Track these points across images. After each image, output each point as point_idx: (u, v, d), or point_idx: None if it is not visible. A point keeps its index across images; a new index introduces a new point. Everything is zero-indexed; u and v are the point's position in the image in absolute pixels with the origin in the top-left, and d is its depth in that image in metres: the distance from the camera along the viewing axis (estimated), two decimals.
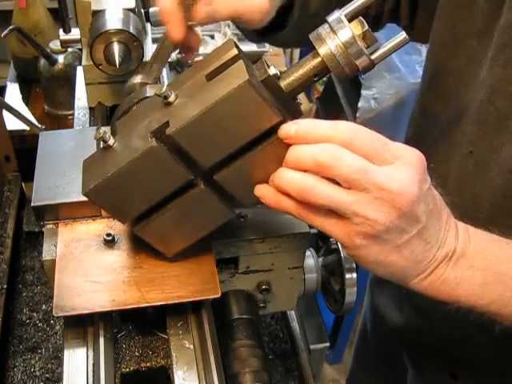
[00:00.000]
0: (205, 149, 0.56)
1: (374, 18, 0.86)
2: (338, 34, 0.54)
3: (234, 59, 0.55)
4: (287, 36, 0.82)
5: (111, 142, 0.59)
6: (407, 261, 0.53)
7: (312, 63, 0.57)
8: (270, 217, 0.74)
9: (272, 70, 0.56)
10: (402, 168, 0.50)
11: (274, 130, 0.55)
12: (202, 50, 1.62)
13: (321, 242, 0.86)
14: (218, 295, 0.64)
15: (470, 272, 0.55)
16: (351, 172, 0.49)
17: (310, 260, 0.82)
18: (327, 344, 2.15)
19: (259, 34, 0.82)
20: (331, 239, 0.81)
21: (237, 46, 0.57)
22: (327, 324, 2.16)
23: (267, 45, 1.69)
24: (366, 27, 0.55)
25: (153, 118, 0.57)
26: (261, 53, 1.66)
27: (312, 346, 2.06)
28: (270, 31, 0.80)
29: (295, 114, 0.60)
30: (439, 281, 0.55)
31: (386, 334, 1.01)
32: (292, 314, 1.00)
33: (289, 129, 0.53)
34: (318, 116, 2.32)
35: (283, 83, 0.58)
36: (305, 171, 0.52)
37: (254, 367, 0.69)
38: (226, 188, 0.60)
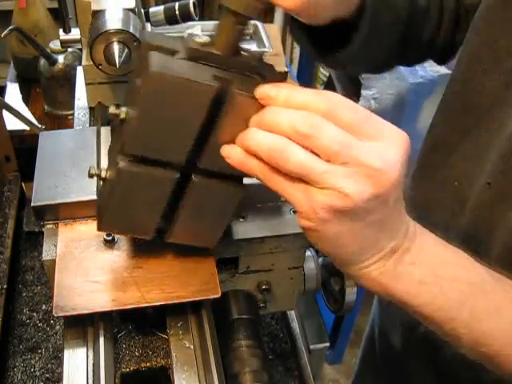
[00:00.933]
0: (168, 148, 0.56)
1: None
2: None
3: (146, 51, 0.54)
4: (352, 55, 0.73)
5: (103, 174, 0.61)
6: (357, 245, 0.51)
7: (222, 13, 0.56)
8: (269, 217, 0.74)
9: (197, 40, 0.55)
10: (387, 147, 0.47)
11: (222, 98, 0.53)
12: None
13: None
14: (218, 295, 0.64)
15: (410, 268, 0.53)
16: (332, 144, 0.45)
17: (310, 260, 0.82)
18: (327, 344, 2.15)
19: (318, 49, 0.75)
20: None
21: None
22: (327, 324, 2.16)
23: (267, 45, 1.69)
24: None
25: (118, 139, 0.58)
26: (261, 53, 1.66)
27: (312, 346, 2.06)
28: (329, 47, 0.73)
29: (245, 68, 0.57)
30: (379, 271, 0.52)
31: (394, 347, 1.00)
32: (292, 314, 1.00)
33: (268, 90, 0.50)
34: None
35: (215, 48, 0.56)
36: None
37: (254, 367, 0.69)
38: (216, 169, 0.58)
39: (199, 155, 0.57)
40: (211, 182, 0.59)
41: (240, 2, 0.53)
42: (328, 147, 0.46)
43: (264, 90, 0.50)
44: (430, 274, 0.54)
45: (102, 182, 0.63)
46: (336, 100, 0.48)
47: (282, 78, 0.56)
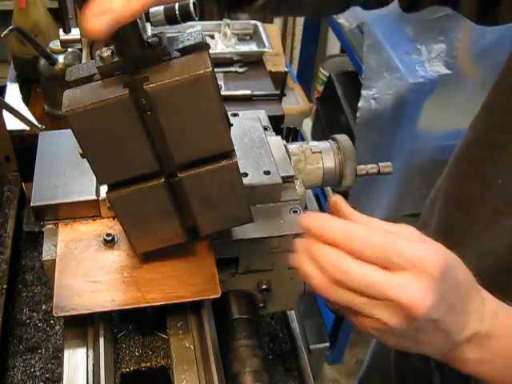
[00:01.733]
0: (133, 163, 0.56)
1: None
2: None
3: None
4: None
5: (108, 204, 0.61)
6: (427, 347, 0.54)
7: None
8: (269, 217, 0.74)
9: (103, 55, 0.54)
10: (415, 278, 0.49)
11: (142, 98, 0.53)
12: None
13: None
14: (218, 295, 0.64)
15: (491, 356, 0.55)
16: (359, 286, 0.50)
17: None
18: (327, 344, 2.15)
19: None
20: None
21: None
22: (327, 324, 2.16)
23: (267, 45, 1.69)
24: None
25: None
26: (261, 53, 1.66)
27: (312, 346, 2.06)
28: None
29: (160, 55, 0.55)
30: (460, 360, 0.56)
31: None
32: (292, 314, 1.00)
33: (307, 222, 0.54)
34: (318, 116, 2.32)
35: (120, 54, 0.55)
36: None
37: (254, 367, 0.69)
38: (195, 157, 0.58)
39: (168, 154, 0.57)
40: (199, 170, 0.58)
41: None
42: (356, 288, 0.50)
43: (303, 221, 0.55)
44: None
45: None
46: (365, 238, 0.51)
47: (204, 45, 0.55)
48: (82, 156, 0.57)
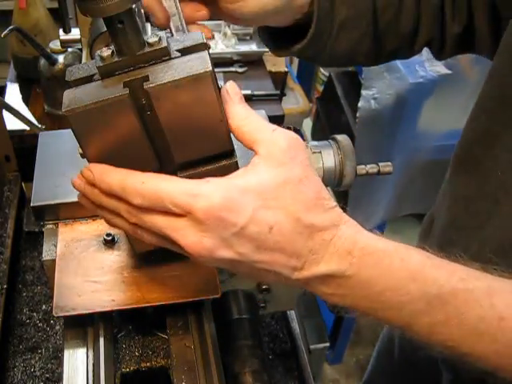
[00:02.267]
0: (134, 163, 0.55)
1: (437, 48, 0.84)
2: None
3: None
4: (308, 50, 0.80)
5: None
6: (266, 280, 0.56)
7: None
8: None
9: (103, 55, 0.54)
10: (191, 224, 0.50)
11: (142, 98, 0.53)
12: None
13: None
14: (218, 295, 0.64)
15: (350, 291, 0.53)
16: (153, 230, 0.52)
17: None
18: (327, 344, 2.15)
19: (276, 40, 0.81)
20: None
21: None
22: (327, 324, 2.17)
23: None
24: None
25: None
26: (261, 53, 1.66)
27: (312, 346, 2.06)
28: (288, 40, 0.79)
29: (160, 54, 0.55)
30: (318, 293, 0.54)
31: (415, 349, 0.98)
32: (292, 314, 1.00)
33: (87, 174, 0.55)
34: (318, 116, 2.32)
35: (120, 53, 0.55)
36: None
37: (254, 367, 0.69)
38: (195, 157, 0.58)
39: (168, 153, 0.57)
40: (198, 170, 0.58)
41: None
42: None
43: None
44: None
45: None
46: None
47: (204, 45, 0.55)
48: (82, 156, 0.57)
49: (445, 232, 0.86)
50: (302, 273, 0.52)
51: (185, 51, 0.55)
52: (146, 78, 0.52)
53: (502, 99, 0.74)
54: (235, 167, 0.59)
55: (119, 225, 0.55)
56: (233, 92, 0.55)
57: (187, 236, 0.49)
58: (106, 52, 0.53)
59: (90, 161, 0.57)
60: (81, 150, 0.57)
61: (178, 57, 0.55)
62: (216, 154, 0.58)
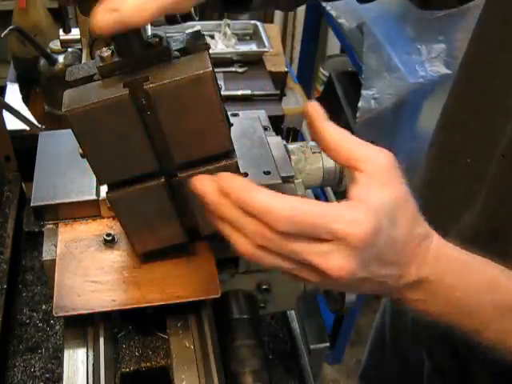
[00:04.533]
0: (134, 163, 0.56)
1: None
2: None
3: None
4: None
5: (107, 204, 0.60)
6: (368, 292, 0.57)
7: None
8: None
9: (103, 55, 0.54)
10: (338, 249, 0.50)
11: (142, 98, 0.53)
12: None
13: None
14: (218, 295, 0.64)
15: (432, 297, 0.56)
16: (284, 252, 0.50)
17: None
18: (327, 344, 2.14)
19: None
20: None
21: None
22: (327, 324, 2.16)
23: (267, 45, 1.69)
24: None
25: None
26: (261, 53, 1.66)
27: (312, 346, 2.06)
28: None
29: (161, 55, 0.55)
30: (404, 299, 0.57)
31: (406, 326, 1.00)
32: (292, 314, 1.00)
33: (224, 183, 0.51)
34: None
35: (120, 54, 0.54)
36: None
37: (254, 367, 0.69)
38: (195, 157, 0.57)
39: (168, 154, 0.57)
40: (199, 170, 0.58)
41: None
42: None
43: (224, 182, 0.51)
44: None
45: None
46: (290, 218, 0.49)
47: (204, 45, 0.55)
48: (82, 156, 0.58)
49: None
50: (403, 279, 0.54)
51: (185, 51, 0.55)
52: (146, 79, 0.52)
53: (473, 87, 0.75)
54: (235, 167, 0.59)
55: (239, 244, 0.52)
56: (319, 111, 0.55)
57: (332, 260, 0.49)
58: (105, 52, 0.54)
59: (90, 162, 0.57)
60: (81, 150, 0.57)
61: (178, 57, 0.55)
62: (216, 154, 0.58)
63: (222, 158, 0.59)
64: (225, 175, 0.52)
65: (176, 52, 0.55)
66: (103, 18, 0.47)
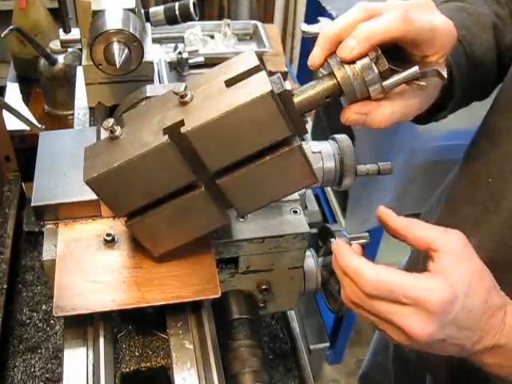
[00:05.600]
0: (215, 152, 0.57)
1: None
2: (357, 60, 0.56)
3: (255, 69, 0.56)
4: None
5: (118, 132, 0.59)
6: (444, 353, 0.62)
7: (327, 84, 0.58)
8: (270, 217, 0.74)
9: (287, 86, 0.57)
10: (417, 312, 0.57)
11: (281, 143, 0.56)
12: (201, 49, 1.62)
13: (321, 241, 0.86)
14: (218, 295, 0.64)
15: (506, 361, 0.62)
16: (372, 311, 0.60)
17: (310, 260, 0.82)
18: (327, 344, 2.15)
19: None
20: (331, 239, 0.81)
21: (258, 58, 0.58)
22: (327, 324, 2.16)
23: (267, 45, 1.69)
24: (379, 51, 0.56)
25: (166, 115, 0.57)
26: (261, 53, 1.66)
27: (312, 346, 2.06)
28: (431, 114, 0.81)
29: (301, 130, 0.60)
30: (477, 362, 0.63)
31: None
32: (292, 314, 1.00)
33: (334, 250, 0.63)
34: (318, 116, 2.32)
35: (296, 100, 0.58)
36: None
37: (254, 367, 0.69)
38: (227, 194, 0.60)
39: (225, 174, 0.58)
40: (211, 200, 0.61)
41: None
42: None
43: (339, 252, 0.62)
44: None
45: (108, 137, 0.62)
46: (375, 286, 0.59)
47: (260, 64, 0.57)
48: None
49: None
50: (479, 345, 0.61)
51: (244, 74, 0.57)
52: (182, 122, 0.55)
53: (506, 106, 0.75)
54: (300, 150, 0.58)
55: (342, 294, 0.63)
56: (387, 209, 0.66)
57: (412, 322, 0.57)
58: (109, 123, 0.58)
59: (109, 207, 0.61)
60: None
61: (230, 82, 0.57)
62: (277, 142, 0.58)
63: (283, 145, 0.58)
64: (338, 241, 0.64)
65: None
66: (353, 117, 0.60)
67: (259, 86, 0.54)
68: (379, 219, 0.66)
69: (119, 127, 0.59)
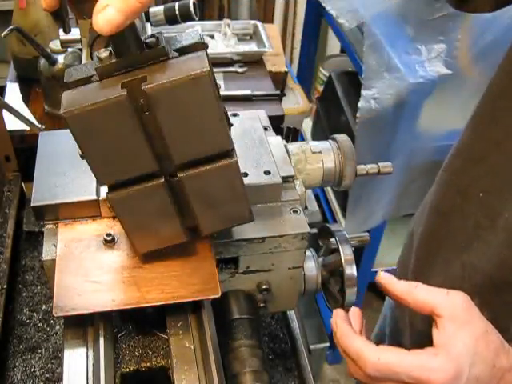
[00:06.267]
0: (133, 164, 0.56)
1: None
2: None
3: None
4: None
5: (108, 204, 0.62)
6: None
7: None
8: (269, 217, 0.74)
9: (101, 56, 0.54)
10: None
11: (140, 98, 0.53)
12: None
13: (321, 241, 0.86)
14: (218, 295, 0.64)
15: None
16: None
17: (310, 260, 0.82)
18: (327, 344, 2.15)
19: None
20: (331, 239, 0.81)
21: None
22: (327, 324, 2.16)
23: (267, 45, 1.69)
24: None
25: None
26: (261, 53, 1.66)
27: (312, 346, 2.06)
28: None
29: (158, 55, 0.55)
30: None
31: (405, 342, 1.00)
32: (292, 314, 1.00)
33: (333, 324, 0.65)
34: (318, 116, 2.32)
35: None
36: None
37: (254, 367, 0.69)
38: (194, 157, 0.58)
39: (168, 154, 0.57)
40: (198, 170, 0.59)
41: None
42: None
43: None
44: None
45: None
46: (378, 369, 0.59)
47: (202, 45, 0.55)
48: (82, 157, 0.57)
49: (423, 244, 0.87)
50: None
51: (183, 51, 0.55)
52: (144, 79, 0.52)
53: (492, 118, 0.74)
54: (236, 166, 0.59)
55: (348, 371, 0.64)
56: (387, 275, 0.66)
57: None
58: (103, 53, 0.54)
59: (89, 163, 0.56)
60: (80, 151, 0.57)
61: (176, 57, 0.55)
62: (216, 154, 0.58)
63: (222, 157, 0.59)
64: (337, 319, 0.64)
65: (174, 52, 0.55)
66: (97, 19, 0.49)
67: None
68: (379, 285, 0.66)
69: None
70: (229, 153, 0.59)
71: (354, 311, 0.66)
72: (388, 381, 0.58)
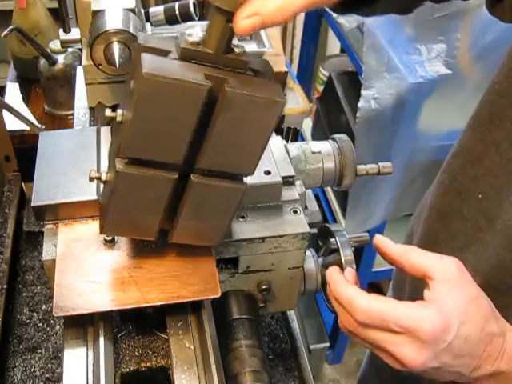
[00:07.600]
0: (165, 149, 0.56)
1: None
2: None
3: (139, 54, 0.54)
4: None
5: (104, 177, 0.61)
6: (443, 378, 0.62)
7: (211, 11, 0.56)
8: (269, 217, 0.74)
9: (189, 40, 0.55)
10: (410, 341, 0.58)
11: (215, 97, 0.54)
12: None
13: (321, 241, 0.86)
14: (218, 295, 0.64)
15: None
16: (367, 341, 0.63)
17: (310, 260, 0.82)
18: (327, 344, 2.15)
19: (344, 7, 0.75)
20: (331, 239, 0.81)
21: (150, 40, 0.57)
22: (327, 324, 2.16)
23: (267, 45, 1.69)
24: None
25: (117, 141, 0.58)
26: (261, 53, 1.66)
27: (312, 346, 2.06)
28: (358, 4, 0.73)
29: (239, 65, 0.58)
30: None
31: None
32: (292, 314, 1.00)
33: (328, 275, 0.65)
34: (318, 116, 2.32)
35: (207, 46, 0.56)
36: None
37: (254, 367, 0.69)
38: (215, 169, 0.59)
39: (197, 155, 0.57)
40: (211, 181, 0.59)
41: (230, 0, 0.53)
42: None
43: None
44: None
45: (102, 185, 0.63)
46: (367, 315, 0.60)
47: (272, 72, 0.58)
48: (119, 123, 0.57)
49: (421, 245, 0.87)
50: (478, 371, 0.61)
51: (257, 73, 0.58)
52: (227, 81, 0.54)
53: (490, 119, 0.74)
54: (243, 193, 0.61)
55: (339, 323, 0.65)
56: (383, 237, 0.66)
57: (405, 350, 0.58)
58: (195, 37, 0.54)
59: (127, 129, 0.55)
60: (120, 116, 0.56)
61: (251, 75, 0.57)
62: (233, 174, 0.60)
63: (235, 178, 0.60)
64: (331, 270, 0.65)
65: (250, 70, 0.57)
66: (246, 23, 0.53)
67: (139, 72, 0.52)
68: (376, 247, 0.66)
69: (103, 172, 0.61)
70: (241, 177, 0.61)
71: (350, 271, 0.66)
72: (377, 329, 0.59)
